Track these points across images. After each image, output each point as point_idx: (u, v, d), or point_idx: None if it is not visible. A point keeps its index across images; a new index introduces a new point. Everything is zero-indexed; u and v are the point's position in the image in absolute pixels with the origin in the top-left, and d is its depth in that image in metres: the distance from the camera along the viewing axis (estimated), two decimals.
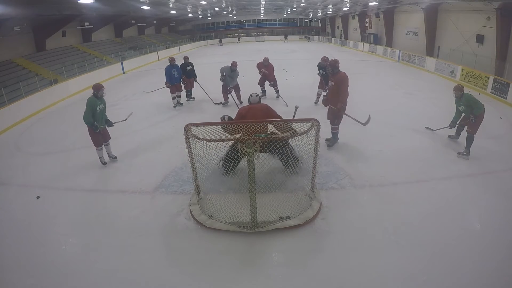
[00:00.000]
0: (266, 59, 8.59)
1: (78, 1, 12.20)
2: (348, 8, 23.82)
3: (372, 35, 23.13)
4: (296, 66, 14.56)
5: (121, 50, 19.50)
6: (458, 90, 5.13)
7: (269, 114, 4.43)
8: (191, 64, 8.57)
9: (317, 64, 8.07)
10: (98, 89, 5.00)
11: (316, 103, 8.21)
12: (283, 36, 36.60)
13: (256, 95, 4.98)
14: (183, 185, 4.46)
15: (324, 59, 7.74)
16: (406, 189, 4.22)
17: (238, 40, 37.72)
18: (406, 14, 17.94)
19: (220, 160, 4.35)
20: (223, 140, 3.29)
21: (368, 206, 3.86)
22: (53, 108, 9.86)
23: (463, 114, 5.24)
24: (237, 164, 4.20)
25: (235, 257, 3.15)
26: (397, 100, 8.65)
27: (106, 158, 5.22)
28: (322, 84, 7.97)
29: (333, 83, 5.24)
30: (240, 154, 3.73)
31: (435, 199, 3.96)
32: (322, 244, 3.28)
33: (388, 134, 6.07)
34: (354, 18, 26.31)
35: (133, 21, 22.97)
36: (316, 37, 36.16)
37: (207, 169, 3.85)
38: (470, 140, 4.96)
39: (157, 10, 21.86)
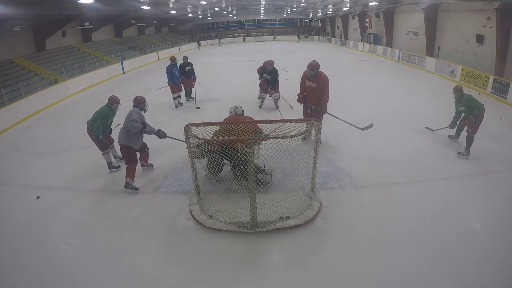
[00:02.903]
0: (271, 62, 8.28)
1: (78, 1, 12.20)
2: (348, 8, 23.82)
3: (372, 35, 23.13)
4: (296, 66, 14.57)
5: (121, 50, 19.51)
6: (458, 91, 5.14)
7: (255, 127, 3.75)
8: (190, 64, 8.54)
9: (258, 68, 7.93)
10: (114, 102, 4.75)
11: (260, 107, 8.09)
12: (297, 36, 36.77)
13: (240, 107, 4.73)
14: (183, 185, 4.46)
15: (270, 63, 7.59)
16: (406, 189, 4.22)
17: (243, 39, 37.70)
18: (406, 14, 17.93)
19: (206, 169, 4.15)
20: (223, 140, 3.29)
21: (368, 206, 3.86)
22: (53, 108, 9.86)
23: (463, 115, 5.25)
24: (222, 168, 4.14)
25: (235, 257, 3.15)
26: (397, 100, 8.65)
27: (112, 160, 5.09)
28: (266, 89, 7.87)
29: (314, 84, 5.26)
30: (221, 159, 3.64)
31: (435, 199, 3.96)
32: (322, 244, 3.28)
33: (388, 134, 6.07)
34: (354, 18, 26.31)
35: (133, 21, 22.98)
36: (316, 37, 36.22)
37: (207, 169, 3.85)
38: (470, 140, 4.97)
39: (157, 10, 21.87)
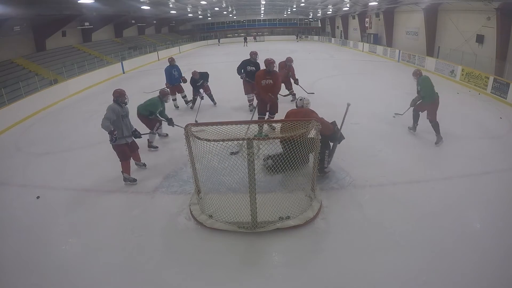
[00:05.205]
0: (289, 59, 8.01)
1: (78, 1, 12.21)
2: (348, 8, 23.81)
3: (372, 35, 23.12)
4: (297, 66, 14.54)
5: (121, 50, 19.49)
6: (416, 74, 5.56)
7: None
8: (202, 78, 7.80)
9: (241, 63, 7.07)
10: (164, 95, 5.57)
11: (252, 111, 7.10)
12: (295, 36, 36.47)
13: (301, 99, 4.63)
14: (183, 185, 4.46)
15: (255, 52, 6.98)
16: (406, 189, 4.22)
17: (255, 39, 36.40)
18: (406, 14, 17.93)
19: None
20: (223, 140, 3.28)
21: (368, 206, 3.86)
22: (53, 108, 9.86)
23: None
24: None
25: (235, 257, 3.15)
26: (397, 100, 8.62)
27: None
28: (250, 88, 7.00)
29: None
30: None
31: (435, 199, 3.96)
32: (322, 244, 3.28)
33: (388, 134, 6.07)
34: (354, 18, 26.30)
35: (133, 21, 22.96)
36: (316, 37, 36.27)
37: (208, 169, 3.84)
38: (435, 126, 5.39)
39: (157, 10, 21.86)
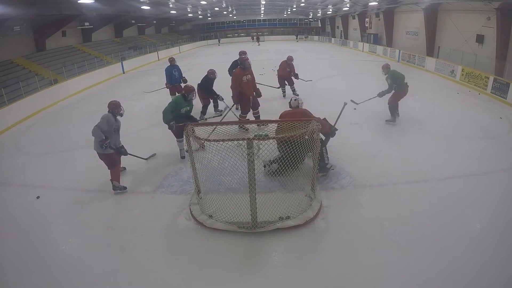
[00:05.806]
0: (290, 58, 8.52)
1: (78, 1, 12.21)
2: (348, 8, 23.82)
3: (372, 35, 23.12)
4: (296, 65, 14.52)
5: (121, 50, 19.50)
6: (385, 68, 6.27)
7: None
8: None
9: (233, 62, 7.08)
10: (190, 91, 4.91)
11: (237, 108, 6.91)
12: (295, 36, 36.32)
13: (295, 99, 4.69)
14: (183, 185, 4.46)
15: (244, 52, 6.84)
16: (406, 189, 4.22)
17: (253, 39, 34.52)
18: (406, 14, 17.93)
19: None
20: (223, 140, 3.29)
21: (368, 206, 3.86)
22: (53, 108, 9.87)
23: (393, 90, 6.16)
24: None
25: (235, 257, 3.15)
26: None
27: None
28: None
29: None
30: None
31: (435, 199, 3.96)
32: (322, 244, 3.28)
33: (388, 134, 6.08)
34: (354, 18, 26.31)
35: (133, 21, 22.97)
36: (316, 37, 36.28)
37: (208, 169, 3.85)
38: (391, 109, 6.31)
39: (157, 10, 21.87)
